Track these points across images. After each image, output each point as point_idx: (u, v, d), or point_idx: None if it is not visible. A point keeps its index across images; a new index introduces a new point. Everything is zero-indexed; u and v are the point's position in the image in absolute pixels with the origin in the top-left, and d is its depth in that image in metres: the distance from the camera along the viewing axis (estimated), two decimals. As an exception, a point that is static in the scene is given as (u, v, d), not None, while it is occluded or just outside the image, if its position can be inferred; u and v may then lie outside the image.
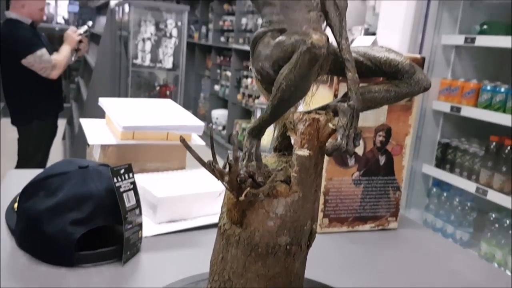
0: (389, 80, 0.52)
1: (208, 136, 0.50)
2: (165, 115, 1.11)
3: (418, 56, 0.88)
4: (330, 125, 0.50)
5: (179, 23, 3.57)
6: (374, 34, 2.38)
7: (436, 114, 2.32)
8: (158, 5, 3.61)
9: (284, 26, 0.47)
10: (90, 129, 1.07)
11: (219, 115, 5.68)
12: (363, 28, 2.66)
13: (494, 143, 2.00)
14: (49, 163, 3.04)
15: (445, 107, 2.18)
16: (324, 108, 0.52)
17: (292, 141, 0.53)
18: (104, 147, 1.00)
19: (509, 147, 1.94)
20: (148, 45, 3.55)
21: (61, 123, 3.78)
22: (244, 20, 5.14)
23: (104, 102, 1.13)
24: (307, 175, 0.50)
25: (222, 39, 5.79)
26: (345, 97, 0.49)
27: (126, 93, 3.57)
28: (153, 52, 3.60)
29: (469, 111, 2.06)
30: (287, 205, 0.50)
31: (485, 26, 2.09)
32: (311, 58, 0.43)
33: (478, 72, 2.26)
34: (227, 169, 0.48)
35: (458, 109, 2.10)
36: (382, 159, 0.93)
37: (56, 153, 4.04)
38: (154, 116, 1.08)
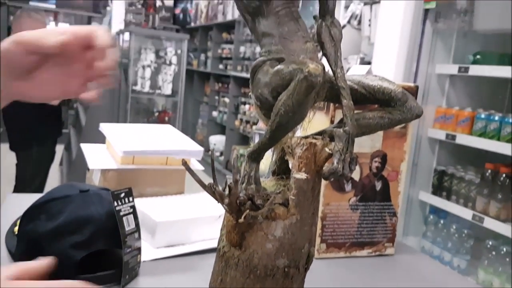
0: (383, 107, 0.55)
1: (206, 162, 0.52)
2: (165, 140, 1.13)
3: (411, 84, 0.91)
4: (327, 149, 0.52)
5: (179, 51, 3.64)
6: (369, 63, 2.43)
7: (431, 142, 2.34)
8: (158, 33, 3.68)
9: (283, 55, 0.50)
10: (91, 153, 1.09)
11: (217, 141, 5.71)
12: (358, 57, 2.72)
13: (489, 171, 2.02)
14: (47, 189, 3.01)
15: (441, 134, 2.21)
16: (321, 133, 0.54)
17: (290, 165, 0.55)
18: (104, 172, 1.01)
19: (504, 175, 1.96)
20: (148, 72, 3.60)
21: (59, 149, 3.79)
22: (242, 49, 5.23)
23: (105, 127, 1.15)
24: (305, 198, 0.52)
25: (221, 66, 5.87)
26: (341, 123, 0.52)
27: (125, 119, 3.60)
28: (153, 78, 3.65)
29: (464, 139, 2.08)
30: (285, 227, 0.51)
31: (478, 56, 2.14)
32: (308, 86, 0.46)
33: (472, 101, 2.30)
34: (227, 192, 0.49)
35: (453, 137, 2.12)
36: (378, 185, 0.95)
37: (53, 179, 4.03)
38: (154, 141, 1.10)
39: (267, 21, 0.52)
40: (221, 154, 5.54)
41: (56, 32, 0.57)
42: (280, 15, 0.51)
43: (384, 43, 2.35)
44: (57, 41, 0.56)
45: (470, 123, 2.11)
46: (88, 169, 1.07)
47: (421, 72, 2.23)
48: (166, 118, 3.73)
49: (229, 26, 5.67)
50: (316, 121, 0.56)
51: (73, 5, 6.59)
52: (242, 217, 0.49)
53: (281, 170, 0.59)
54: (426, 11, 2.15)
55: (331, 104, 0.84)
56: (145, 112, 3.86)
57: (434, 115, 2.27)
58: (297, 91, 0.47)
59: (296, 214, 0.52)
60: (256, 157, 0.54)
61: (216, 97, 6.01)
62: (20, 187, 3.05)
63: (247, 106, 5.05)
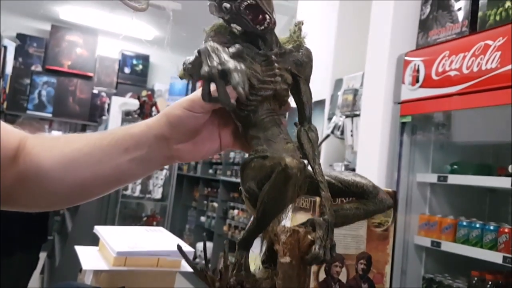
0: (358, 199, 0.62)
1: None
2: (157, 242, 1.16)
3: (389, 189, 0.99)
4: (309, 236, 0.57)
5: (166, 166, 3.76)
6: (353, 170, 2.54)
7: (418, 249, 2.37)
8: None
9: (267, 154, 0.58)
10: (84, 255, 1.11)
11: (204, 248, 5.60)
12: (343, 164, 2.84)
13: (476, 278, 2.03)
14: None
15: (426, 242, 2.24)
16: (304, 224, 0.60)
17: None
18: (96, 273, 1.03)
19: (490, 282, 1.97)
20: (138, 188, 3.68)
21: (41, 256, 3.70)
22: (232, 154, 5.41)
23: (99, 229, 1.19)
24: (291, 282, 0.56)
25: (210, 171, 5.99)
26: (322, 215, 0.58)
27: (113, 224, 3.59)
28: (144, 183, 3.72)
29: (448, 246, 2.12)
30: None
31: (455, 166, 2.27)
32: (285, 176, 0.53)
33: (454, 208, 2.38)
34: (218, 277, 0.54)
35: (438, 244, 2.16)
36: (365, 287, 0.97)
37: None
38: (146, 243, 1.13)
39: (254, 126, 0.61)
40: (209, 261, 5.42)
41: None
42: (265, 121, 0.61)
43: (366, 153, 2.48)
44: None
45: (453, 230, 2.17)
46: (81, 271, 1.08)
47: (402, 180, 2.33)
48: (154, 223, 3.73)
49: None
50: (303, 220, 0.62)
51: (69, 113, 6.85)
52: None
53: (270, 260, 0.63)
54: (403, 124, 2.32)
55: (317, 206, 0.91)
56: (133, 217, 3.87)
57: (418, 222, 2.33)
58: (277, 181, 0.53)
59: None
60: (246, 244, 0.59)
61: (205, 202, 6.04)
62: (-1, 293, 2.93)
63: (236, 211, 5.07)
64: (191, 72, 0.59)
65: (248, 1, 0.54)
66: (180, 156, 0.66)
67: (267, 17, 0.55)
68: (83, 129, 6.88)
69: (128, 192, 3.66)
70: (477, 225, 2.06)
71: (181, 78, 0.61)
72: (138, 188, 3.69)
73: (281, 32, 0.65)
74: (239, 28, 0.60)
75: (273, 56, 0.60)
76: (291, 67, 0.61)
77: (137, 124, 0.67)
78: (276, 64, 0.59)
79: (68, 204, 0.78)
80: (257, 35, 0.59)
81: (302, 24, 0.63)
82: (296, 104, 0.64)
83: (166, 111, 0.65)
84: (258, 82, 0.58)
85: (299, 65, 0.62)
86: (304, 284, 0.58)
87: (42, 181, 0.68)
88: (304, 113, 0.62)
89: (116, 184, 0.72)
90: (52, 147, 0.69)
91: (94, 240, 1.22)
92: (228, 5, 0.55)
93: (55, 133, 6.64)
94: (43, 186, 0.68)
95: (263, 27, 0.56)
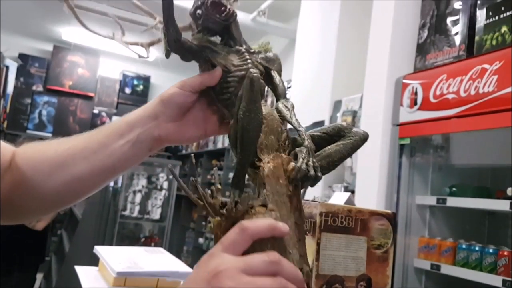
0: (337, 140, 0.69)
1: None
2: (157, 262, 1.16)
3: (389, 211, 0.99)
4: (292, 163, 0.62)
5: (170, 177, 3.76)
6: (353, 191, 2.55)
7: (417, 272, 2.35)
8: (151, 160, 3.84)
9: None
10: (83, 275, 1.11)
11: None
12: (342, 185, 2.85)
13: (476, 302, 2.01)
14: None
15: (425, 264, 2.23)
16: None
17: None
18: (95, 293, 1.02)
19: (491, 306, 1.95)
20: (138, 197, 3.67)
21: (38, 277, 3.66)
22: (231, 174, 5.40)
23: (99, 249, 1.19)
24: (281, 198, 0.59)
25: (209, 191, 5.97)
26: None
27: (111, 245, 3.56)
28: (142, 203, 3.71)
29: (448, 269, 2.11)
30: None
31: (454, 189, 2.27)
32: (251, 80, 0.62)
33: (454, 231, 2.37)
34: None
35: (438, 267, 2.15)
36: (364, 310, 0.97)
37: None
38: (146, 263, 1.13)
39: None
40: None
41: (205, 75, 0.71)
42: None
43: (365, 174, 2.49)
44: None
45: (452, 253, 2.16)
46: (79, 291, 1.08)
47: (402, 202, 2.33)
48: (153, 244, 3.70)
49: (219, 154, 5.92)
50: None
51: (69, 133, 6.82)
52: (224, 209, 0.57)
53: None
54: (402, 146, 2.33)
55: (317, 228, 0.91)
56: (131, 238, 3.84)
57: (418, 244, 2.32)
58: (246, 88, 0.62)
59: (275, 211, 0.57)
60: (237, 182, 0.62)
61: (203, 223, 6.01)
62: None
63: (234, 233, 5.03)
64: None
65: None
66: (168, 137, 0.73)
67: (227, 6, 0.68)
68: (83, 148, 6.87)
69: (127, 212, 3.65)
70: (477, 248, 2.06)
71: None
72: (137, 208, 3.68)
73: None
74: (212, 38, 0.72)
75: (243, 49, 0.71)
76: (261, 61, 0.72)
77: (134, 111, 0.75)
78: (247, 55, 0.70)
79: (67, 203, 0.79)
80: (227, 33, 0.71)
81: (268, 43, 0.75)
82: (271, 90, 0.73)
83: (161, 93, 0.74)
84: (233, 66, 0.69)
85: (268, 61, 0.72)
86: (299, 207, 0.61)
87: (37, 181, 0.70)
88: (278, 93, 0.71)
89: (111, 173, 0.75)
90: (44, 148, 0.74)
91: (91, 261, 1.22)
92: (199, 11, 0.69)
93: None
94: (39, 186, 0.71)
95: (224, 14, 0.68)
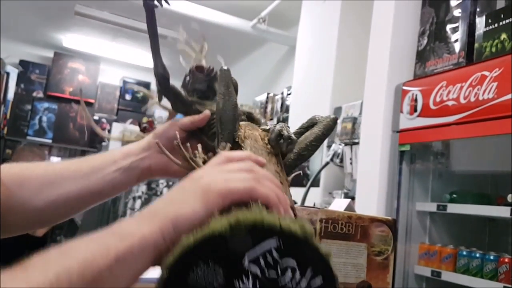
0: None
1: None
2: (156, 269, 1.15)
3: (389, 218, 0.99)
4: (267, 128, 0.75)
5: (170, 183, 3.76)
6: (353, 198, 2.54)
7: (418, 279, 2.35)
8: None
9: None
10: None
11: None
12: (342, 192, 2.84)
13: (477, 309, 2.00)
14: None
15: (426, 271, 2.23)
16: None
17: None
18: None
19: (492, 313, 1.94)
20: (138, 204, 3.66)
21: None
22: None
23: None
24: (259, 152, 0.68)
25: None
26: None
27: (110, 251, 3.55)
28: (142, 209, 3.70)
29: (449, 276, 2.10)
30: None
31: (454, 195, 2.27)
32: (223, 71, 0.74)
33: (454, 238, 2.37)
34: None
35: (439, 274, 2.14)
36: (365, 317, 0.96)
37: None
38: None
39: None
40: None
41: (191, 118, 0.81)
42: None
43: (365, 181, 2.49)
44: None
45: (453, 260, 2.15)
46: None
47: (402, 209, 2.33)
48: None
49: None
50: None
51: (69, 139, 6.86)
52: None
53: None
54: (402, 153, 2.33)
55: (317, 234, 0.91)
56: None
57: (418, 251, 2.31)
58: (219, 80, 0.74)
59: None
60: (228, 138, 0.71)
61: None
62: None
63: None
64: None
65: (195, 64, 0.84)
66: (157, 166, 0.78)
67: (209, 67, 0.83)
68: (83, 155, 6.87)
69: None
70: (477, 255, 2.05)
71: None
72: (137, 214, 3.66)
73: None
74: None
75: None
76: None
77: (130, 144, 0.82)
78: None
79: (51, 222, 0.80)
80: (211, 91, 0.83)
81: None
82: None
83: (156, 129, 0.83)
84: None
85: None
86: (279, 165, 0.69)
87: (24, 198, 0.70)
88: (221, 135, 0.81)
89: (98, 197, 0.77)
90: (32, 167, 0.74)
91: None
92: (188, 78, 0.85)
93: (55, 159, 6.65)
94: (25, 203, 0.71)
95: (206, 71, 0.83)
